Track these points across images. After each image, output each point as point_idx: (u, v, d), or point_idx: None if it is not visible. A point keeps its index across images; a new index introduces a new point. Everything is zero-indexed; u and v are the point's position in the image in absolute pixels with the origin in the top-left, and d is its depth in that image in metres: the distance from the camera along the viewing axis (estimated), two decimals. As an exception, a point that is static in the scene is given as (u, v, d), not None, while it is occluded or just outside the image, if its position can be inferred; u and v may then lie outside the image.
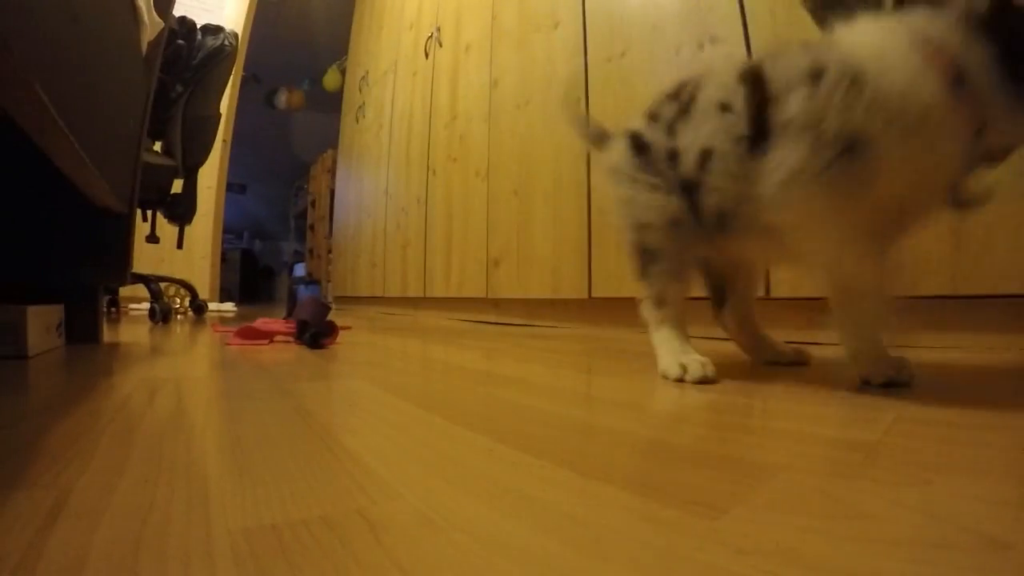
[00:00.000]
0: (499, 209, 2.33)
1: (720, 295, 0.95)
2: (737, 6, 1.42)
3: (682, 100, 0.81)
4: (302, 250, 7.10)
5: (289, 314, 1.64)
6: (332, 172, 5.38)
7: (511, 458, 0.43)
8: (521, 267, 2.16)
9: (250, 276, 8.55)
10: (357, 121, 4.45)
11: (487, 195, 2.41)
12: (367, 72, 4.31)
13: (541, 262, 2.07)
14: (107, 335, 1.53)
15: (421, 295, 2.97)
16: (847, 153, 0.63)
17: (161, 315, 2.20)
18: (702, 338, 1.10)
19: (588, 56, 1.91)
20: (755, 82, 0.71)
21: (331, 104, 5.83)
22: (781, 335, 0.87)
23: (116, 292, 2.76)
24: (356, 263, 4.19)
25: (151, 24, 1.30)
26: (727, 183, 0.73)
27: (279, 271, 9.11)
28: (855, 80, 0.63)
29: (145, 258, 2.60)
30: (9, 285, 1.23)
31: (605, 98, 1.82)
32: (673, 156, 0.80)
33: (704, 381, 0.76)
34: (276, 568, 0.26)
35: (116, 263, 1.36)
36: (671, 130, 0.81)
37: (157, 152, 2.36)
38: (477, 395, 0.71)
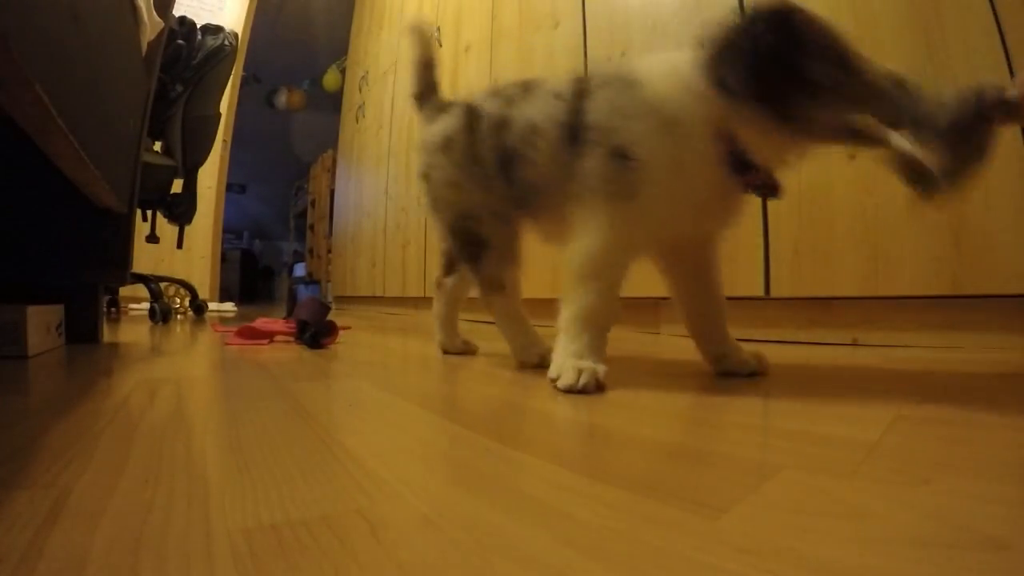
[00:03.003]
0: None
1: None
2: (737, 6, 1.42)
3: (528, 85, 0.87)
4: (302, 250, 7.10)
5: (289, 314, 1.64)
6: (332, 172, 5.37)
7: (511, 458, 0.43)
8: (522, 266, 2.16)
9: (250, 276, 8.54)
10: (357, 121, 4.45)
11: (487, 195, 2.41)
12: (367, 72, 4.31)
13: (541, 262, 2.06)
14: (107, 335, 1.53)
15: (421, 295, 2.97)
16: (619, 158, 0.69)
17: (161, 315, 2.19)
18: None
19: (588, 55, 1.91)
20: (579, 80, 0.79)
21: (331, 104, 5.82)
22: (781, 335, 0.86)
23: (116, 292, 2.76)
24: (356, 263, 4.18)
25: (151, 24, 1.30)
26: (546, 161, 0.79)
27: (279, 271, 9.10)
28: (631, 86, 0.71)
29: (145, 258, 2.60)
30: (9, 285, 1.23)
31: (605, 98, 1.82)
32: (503, 124, 0.84)
33: (543, 365, 0.82)
34: (276, 568, 0.26)
35: (116, 263, 1.36)
36: (509, 102, 0.85)
37: (157, 152, 2.36)
38: (477, 395, 0.71)
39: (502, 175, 0.84)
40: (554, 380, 0.70)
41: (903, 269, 1.09)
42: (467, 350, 1.11)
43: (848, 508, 0.33)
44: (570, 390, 0.67)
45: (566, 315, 0.74)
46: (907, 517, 0.31)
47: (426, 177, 0.95)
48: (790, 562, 0.26)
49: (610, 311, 0.74)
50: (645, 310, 1.68)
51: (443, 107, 0.97)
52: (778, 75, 0.61)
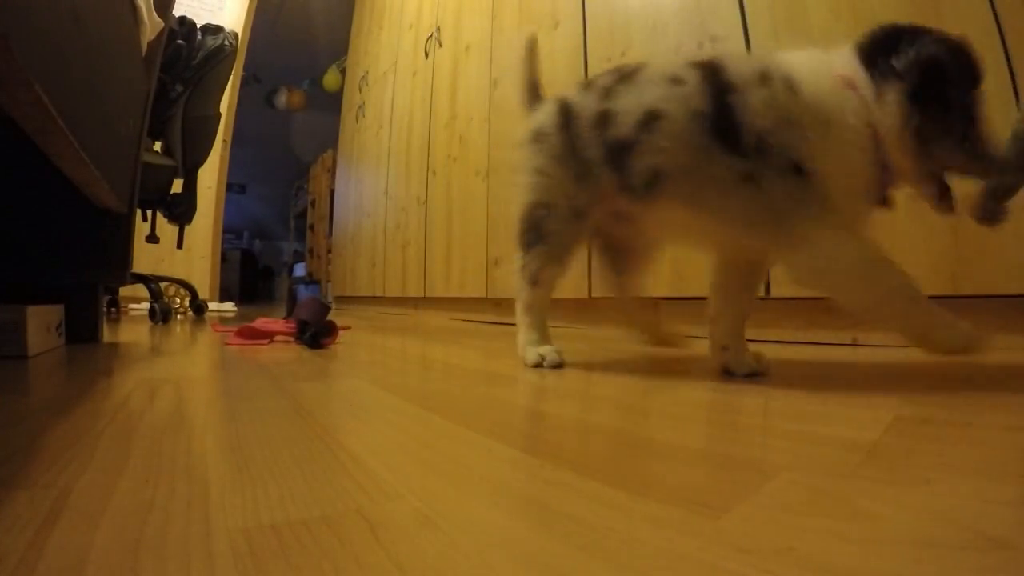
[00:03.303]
0: (499, 209, 2.32)
1: (619, 264, 1.02)
2: (737, 5, 1.42)
3: (623, 72, 0.85)
4: (302, 250, 7.10)
5: (289, 314, 1.64)
6: (332, 172, 5.37)
7: (511, 458, 0.43)
8: (521, 267, 2.16)
9: (250, 276, 8.54)
10: (357, 121, 4.45)
11: (487, 195, 2.41)
12: (367, 72, 4.31)
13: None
14: (107, 335, 1.53)
15: (421, 295, 2.97)
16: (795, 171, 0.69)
17: (161, 315, 2.20)
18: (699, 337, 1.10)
19: (588, 56, 1.91)
20: (711, 68, 0.76)
21: (331, 104, 5.82)
22: (781, 335, 0.86)
23: (116, 292, 2.76)
24: (356, 263, 4.19)
25: (151, 24, 1.30)
26: (674, 146, 0.76)
27: (279, 271, 9.10)
28: (792, 89, 0.70)
29: (145, 258, 2.60)
30: (9, 285, 1.23)
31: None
32: (604, 119, 0.83)
33: (558, 366, 0.89)
34: (276, 568, 0.26)
35: (116, 263, 1.36)
36: (606, 95, 0.84)
37: (157, 152, 2.36)
38: (477, 395, 0.71)
39: (611, 166, 0.83)
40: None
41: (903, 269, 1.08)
42: (673, 342, 1.13)
43: (848, 508, 0.33)
44: (951, 352, 0.72)
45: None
46: (907, 517, 0.31)
47: (519, 167, 0.96)
48: (790, 562, 0.26)
49: (908, 280, 0.72)
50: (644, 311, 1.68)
51: (538, 105, 0.99)
52: (951, 105, 0.66)
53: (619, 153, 0.81)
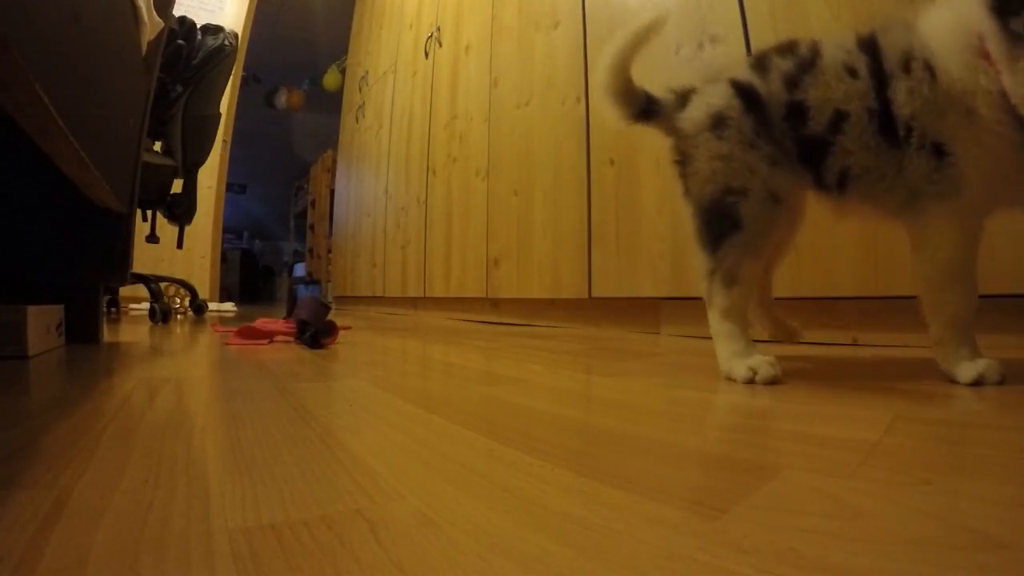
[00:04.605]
0: (499, 209, 2.33)
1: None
2: (737, 5, 1.42)
3: (800, 56, 0.79)
4: (302, 250, 7.10)
5: (289, 314, 1.64)
6: (332, 172, 5.38)
7: (511, 458, 0.43)
8: (521, 267, 2.16)
9: (250, 276, 8.55)
10: (357, 121, 4.45)
11: (487, 195, 2.41)
12: (367, 72, 4.31)
13: (541, 262, 2.07)
14: (107, 335, 1.53)
15: (421, 295, 2.97)
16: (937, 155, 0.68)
17: (161, 315, 2.20)
18: (694, 336, 1.10)
19: (588, 55, 1.91)
20: (872, 51, 0.73)
21: (331, 104, 5.83)
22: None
23: (116, 292, 2.76)
24: (356, 263, 4.19)
25: (151, 24, 1.30)
26: (857, 148, 0.74)
27: (279, 271, 9.11)
28: (930, 74, 0.67)
29: (145, 258, 2.60)
30: (9, 285, 1.23)
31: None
32: (797, 111, 0.77)
33: (774, 382, 0.75)
34: (276, 568, 0.26)
35: (116, 263, 1.36)
36: (793, 83, 0.78)
37: (157, 152, 2.36)
38: (477, 395, 0.71)
39: (805, 162, 0.79)
40: (974, 383, 0.70)
41: (903, 269, 1.08)
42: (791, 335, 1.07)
43: (848, 509, 0.33)
44: (987, 382, 0.69)
45: (941, 326, 0.73)
46: (907, 517, 0.31)
47: (683, 160, 0.86)
48: (790, 563, 0.26)
49: (974, 306, 0.72)
50: (645, 311, 1.69)
51: (688, 91, 0.88)
52: None
53: (814, 150, 0.77)
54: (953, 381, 0.72)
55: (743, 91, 0.80)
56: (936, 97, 0.67)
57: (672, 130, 0.87)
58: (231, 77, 2.78)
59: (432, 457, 0.44)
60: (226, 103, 3.78)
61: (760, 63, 0.82)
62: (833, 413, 0.58)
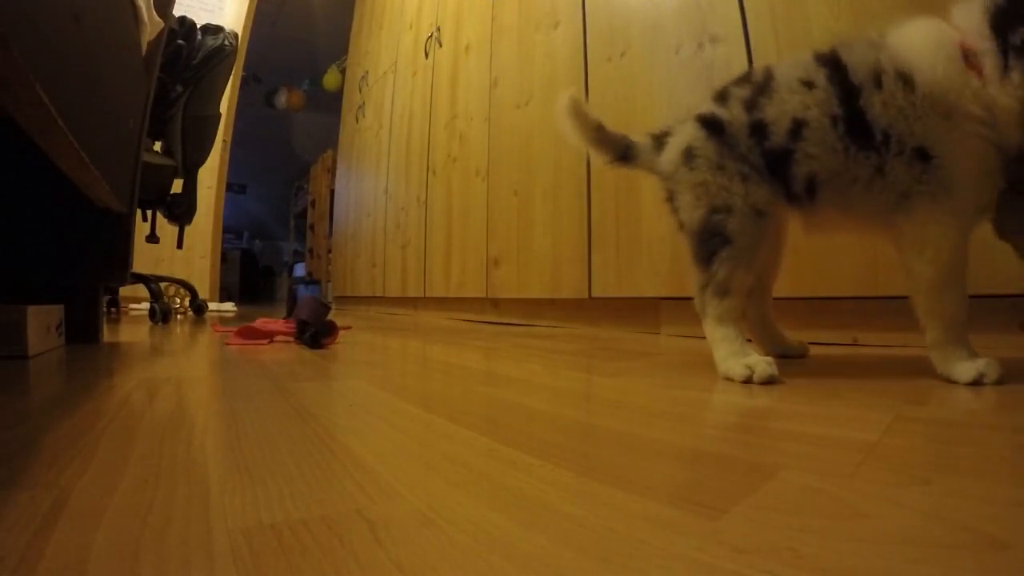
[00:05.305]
0: (499, 209, 2.33)
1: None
2: (737, 5, 1.42)
3: (755, 81, 0.84)
4: (302, 250, 7.10)
5: (289, 314, 1.64)
6: (332, 172, 5.38)
7: (511, 458, 0.43)
8: (521, 267, 2.16)
9: (250, 276, 8.55)
10: (357, 121, 4.45)
11: (487, 195, 2.41)
12: (367, 72, 4.31)
13: (541, 262, 2.07)
14: (107, 335, 1.53)
15: (421, 295, 2.97)
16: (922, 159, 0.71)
17: (161, 315, 2.20)
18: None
19: (588, 55, 1.91)
20: (835, 67, 0.77)
21: (331, 104, 5.83)
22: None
23: (116, 292, 2.76)
24: (356, 263, 4.19)
25: (151, 24, 1.30)
26: (821, 152, 0.77)
27: (279, 271, 9.11)
28: (906, 81, 0.71)
29: (145, 258, 2.60)
30: (10, 285, 1.24)
31: (605, 97, 1.82)
32: (758, 129, 0.81)
33: (771, 381, 0.76)
34: (276, 568, 0.26)
35: (116, 263, 1.36)
36: (751, 106, 0.83)
37: (157, 152, 2.36)
38: (477, 395, 0.71)
39: (773, 175, 0.82)
40: (973, 383, 0.71)
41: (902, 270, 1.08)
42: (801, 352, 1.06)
43: (847, 509, 0.33)
44: (985, 381, 0.71)
45: (940, 328, 0.74)
46: (906, 517, 0.31)
47: (671, 197, 0.91)
48: (788, 563, 0.26)
49: (966, 308, 0.74)
50: (645, 311, 1.69)
51: (664, 134, 0.93)
52: None
53: (778, 162, 0.80)
54: (951, 381, 0.72)
55: (707, 122, 0.86)
56: (916, 105, 0.70)
57: (654, 172, 0.93)
58: (231, 77, 2.78)
59: (432, 457, 0.44)
60: (226, 103, 3.78)
61: (721, 95, 0.87)
62: (832, 413, 0.58)
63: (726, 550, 0.27)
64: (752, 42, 1.39)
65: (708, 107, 0.88)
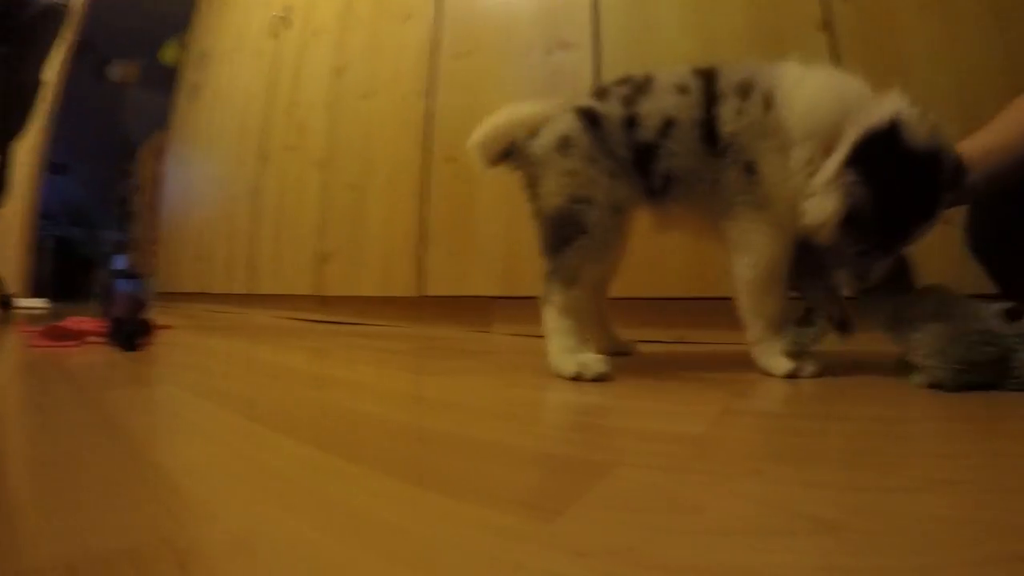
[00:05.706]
0: (334, 203, 2.24)
1: None
2: (590, 14, 1.46)
3: (635, 82, 0.88)
4: (125, 240, 6.51)
5: (104, 312, 1.48)
6: (161, 155, 4.96)
7: (338, 469, 0.40)
8: (352, 263, 2.10)
9: (66, 268, 7.70)
10: (192, 101, 4.12)
11: (323, 187, 2.31)
12: (209, 49, 4.00)
13: (373, 259, 2.01)
14: None
15: (248, 291, 2.79)
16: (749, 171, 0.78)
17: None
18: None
19: (437, 51, 1.88)
20: (708, 77, 0.83)
21: (167, 81, 5.37)
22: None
23: None
24: (181, 255, 3.87)
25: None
26: (682, 151, 0.82)
27: (99, 262, 8.28)
28: (767, 102, 0.78)
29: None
30: None
31: (452, 96, 1.80)
32: (631, 122, 0.84)
33: (601, 378, 0.75)
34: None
35: None
36: (629, 102, 0.86)
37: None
38: (304, 400, 0.67)
39: (637, 169, 0.84)
40: (790, 376, 0.77)
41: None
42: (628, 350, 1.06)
43: (684, 502, 0.33)
44: (801, 375, 0.77)
45: (760, 327, 0.80)
46: (742, 507, 0.32)
47: (532, 183, 0.89)
48: (630, 562, 0.26)
49: (784, 308, 0.82)
50: (477, 309, 1.69)
51: (539, 123, 0.90)
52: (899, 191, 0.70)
53: (644, 156, 0.83)
54: (771, 375, 0.78)
55: (585, 114, 0.87)
56: (765, 124, 0.77)
57: (523, 160, 0.91)
58: (60, 41, 2.45)
59: (251, 471, 0.40)
60: (52, 71, 3.34)
61: (601, 92, 0.90)
62: (663, 409, 0.60)
63: (564, 554, 0.27)
64: (603, 53, 1.44)
65: (588, 101, 0.89)
